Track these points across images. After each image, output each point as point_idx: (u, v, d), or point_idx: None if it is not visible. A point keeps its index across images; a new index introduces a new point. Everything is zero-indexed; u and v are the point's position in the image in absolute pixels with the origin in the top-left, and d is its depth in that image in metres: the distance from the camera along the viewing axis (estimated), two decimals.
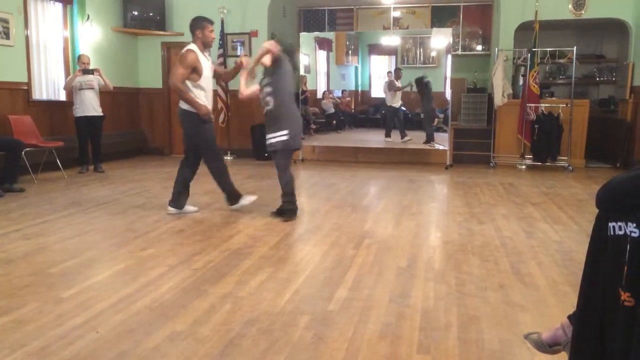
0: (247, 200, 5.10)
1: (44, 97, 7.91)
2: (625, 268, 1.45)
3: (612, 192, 1.53)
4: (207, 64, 4.86)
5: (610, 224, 1.49)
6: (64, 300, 2.89)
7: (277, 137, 4.65)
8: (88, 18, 8.44)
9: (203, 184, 6.81)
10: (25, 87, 7.38)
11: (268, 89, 4.66)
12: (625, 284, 1.45)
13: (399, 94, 9.95)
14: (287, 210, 4.82)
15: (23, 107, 7.29)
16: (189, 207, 5.07)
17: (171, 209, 4.99)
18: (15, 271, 3.38)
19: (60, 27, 8.19)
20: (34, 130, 7.05)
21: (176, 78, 4.66)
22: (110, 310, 2.76)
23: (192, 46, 4.80)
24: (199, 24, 4.85)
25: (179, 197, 5.00)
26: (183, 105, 4.83)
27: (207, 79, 4.85)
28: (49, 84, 8.04)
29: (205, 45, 4.87)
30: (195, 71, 4.72)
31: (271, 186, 6.53)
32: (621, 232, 1.47)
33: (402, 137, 9.72)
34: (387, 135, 10.00)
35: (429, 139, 9.49)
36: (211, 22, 4.92)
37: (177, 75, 4.67)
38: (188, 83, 4.73)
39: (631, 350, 1.45)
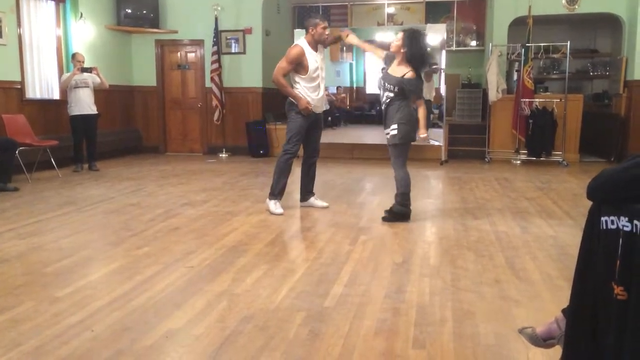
0: (273, 207, 4.95)
1: (38, 96, 7.87)
2: (618, 262, 1.46)
3: (603, 184, 1.54)
4: (316, 59, 4.83)
5: (603, 218, 1.50)
6: (60, 299, 2.88)
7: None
8: (81, 16, 8.40)
9: (199, 181, 6.81)
10: (19, 86, 7.34)
11: None
12: (618, 278, 1.46)
13: (433, 88, 9.88)
14: (395, 213, 4.60)
15: (17, 106, 7.26)
16: (316, 202, 5.22)
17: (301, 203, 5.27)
18: (10, 271, 3.37)
19: (53, 25, 8.14)
20: (27, 129, 7.02)
21: (277, 71, 4.81)
22: (106, 309, 2.75)
23: (300, 40, 4.88)
24: (310, 21, 4.87)
25: (301, 192, 5.26)
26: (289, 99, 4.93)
27: (315, 74, 4.82)
28: (43, 82, 8.00)
29: (317, 42, 4.85)
30: (301, 66, 4.77)
31: (265, 183, 6.52)
32: (614, 226, 1.48)
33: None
34: None
35: None
36: (323, 20, 4.89)
37: (278, 68, 4.82)
38: (297, 77, 4.83)
39: (624, 343, 1.46)
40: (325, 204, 5.20)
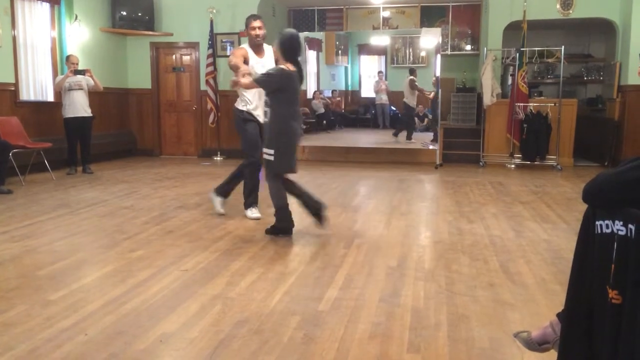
0: (251, 213, 4.86)
1: (32, 98, 7.84)
2: (613, 266, 1.46)
3: (599, 187, 1.54)
4: (256, 61, 4.71)
5: (598, 223, 1.51)
6: (53, 303, 2.86)
7: None
8: (76, 18, 8.38)
9: (193, 184, 6.79)
10: (13, 88, 7.32)
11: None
12: (613, 282, 1.46)
13: (416, 94, 9.97)
14: (274, 227, 4.35)
15: (10, 108, 7.23)
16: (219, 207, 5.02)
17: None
18: (2, 274, 3.35)
19: (47, 27, 8.12)
20: (21, 131, 6.99)
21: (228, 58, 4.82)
22: (100, 312, 2.74)
23: (244, 45, 4.84)
24: (245, 22, 4.80)
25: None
26: (235, 104, 4.85)
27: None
28: (37, 84, 7.97)
29: (250, 43, 4.77)
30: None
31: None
32: (608, 230, 1.48)
33: (409, 137, 9.82)
34: (409, 137, 9.94)
35: None
36: (255, 18, 4.78)
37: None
38: None
39: (619, 346, 1.46)
40: (257, 215, 4.91)
